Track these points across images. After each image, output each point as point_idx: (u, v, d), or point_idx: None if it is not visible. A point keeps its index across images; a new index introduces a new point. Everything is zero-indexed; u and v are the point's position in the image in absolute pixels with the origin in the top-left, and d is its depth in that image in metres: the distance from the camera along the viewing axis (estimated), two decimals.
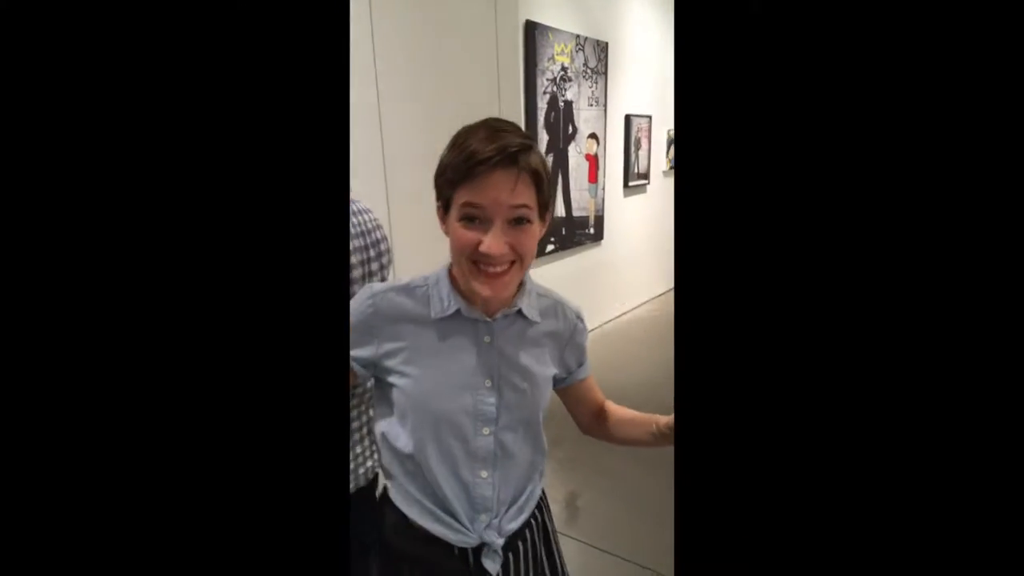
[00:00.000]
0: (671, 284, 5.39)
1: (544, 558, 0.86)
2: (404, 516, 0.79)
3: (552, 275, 3.45)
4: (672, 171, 5.16)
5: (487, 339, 0.77)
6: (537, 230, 0.71)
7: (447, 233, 0.72)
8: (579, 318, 0.86)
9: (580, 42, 3.61)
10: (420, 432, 0.75)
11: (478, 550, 0.78)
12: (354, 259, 1.06)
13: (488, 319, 0.77)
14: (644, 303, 4.97)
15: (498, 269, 0.69)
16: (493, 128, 0.68)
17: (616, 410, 0.91)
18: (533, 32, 3.17)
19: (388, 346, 0.76)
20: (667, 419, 0.81)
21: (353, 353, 0.77)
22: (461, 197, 0.67)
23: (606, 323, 4.43)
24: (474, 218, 0.68)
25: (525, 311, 0.79)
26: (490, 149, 0.65)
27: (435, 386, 0.75)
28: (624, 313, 4.68)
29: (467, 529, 0.77)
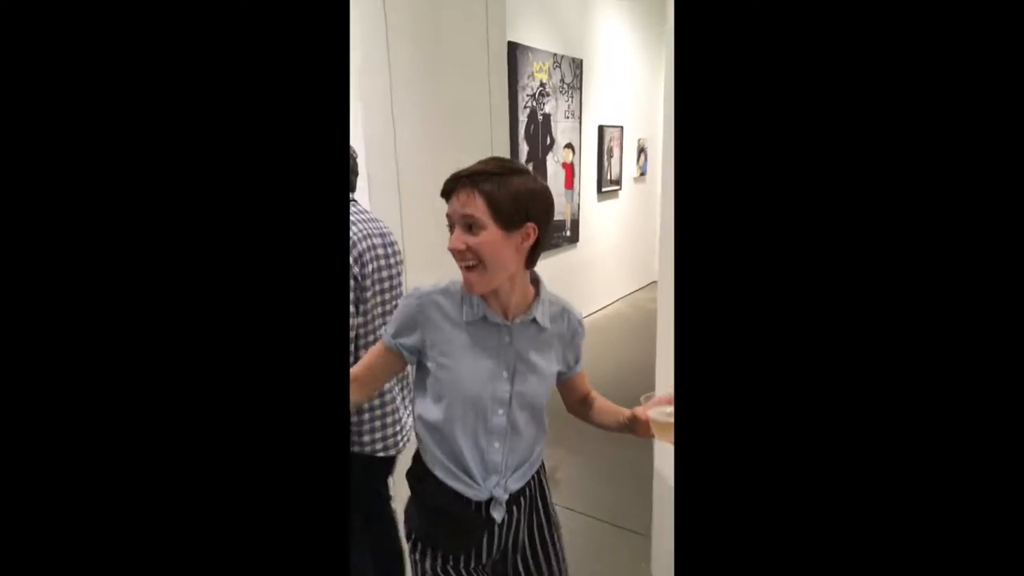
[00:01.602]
0: (642, 283, 5.67)
1: (541, 509, 1.08)
2: (433, 476, 0.98)
3: None
4: (643, 178, 5.46)
5: (507, 340, 0.95)
6: (492, 236, 0.86)
7: None
8: (580, 324, 1.06)
9: (557, 60, 3.89)
10: (451, 410, 0.94)
11: (488, 503, 0.98)
12: (377, 263, 1.30)
13: (508, 323, 0.95)
14: (616, 300, 5.26)
15: (464, 264, 0.88)
16: (490, 161, 0.90)
17: (598, 399, 1.13)
18: (515, 52, 3.44)
19: (429, 338, 0.94)
20: (629, 412, 1.03)
21: (401, 340, 0.96)
22: (447, 208, 0.90)
23: (582, 319, 4.69)
24: (449, 225, 0.90)
25: (539, 319, 0.97)
26: (463, 172, 0.86)
27: (465, 375, 0.93)
28: (598, 310, 4.96)
29: (480, 486, 0.97)
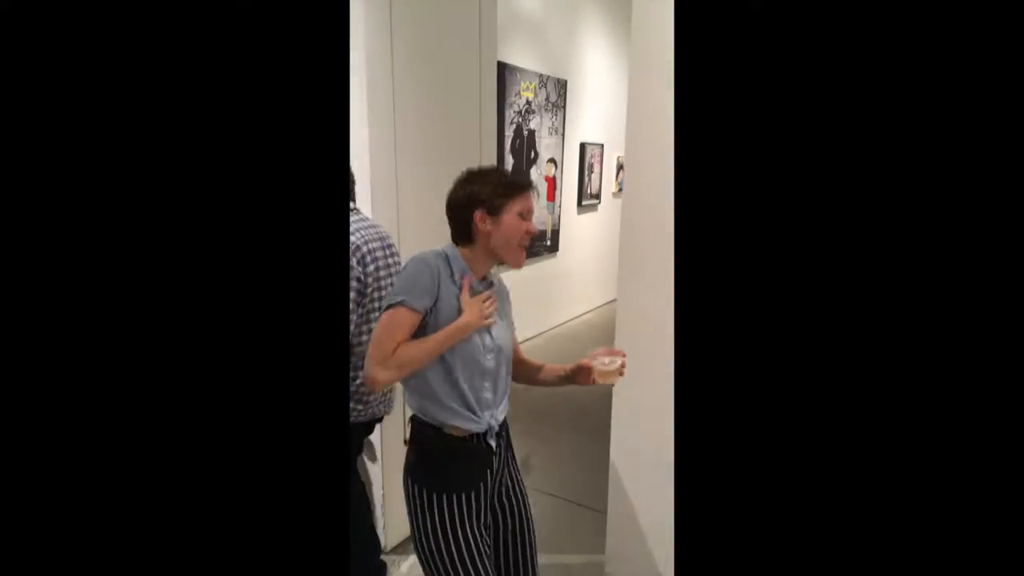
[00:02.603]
0: (615, 294, 5.90)
1: (511, 441, 1.33)
2: (433, 427, 1.17)
3: (513, 281, 3.83)
4: (621, 193, 5.71)
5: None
6: None
7: (489, 229, 1.13)
8: (505, 287, 1.32)
9: (543, 80, 4.14)
10: (455, 358, 1.15)
11: (485, 434, 1.20)
12: (377, 264, 1.48)
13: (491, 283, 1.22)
14: (592, 309, 5.47)
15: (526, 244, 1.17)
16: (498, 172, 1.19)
17: (533, 360, 1.36)
18: (503, 71, 3.68)
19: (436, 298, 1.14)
20: (573, 365, 1.26)
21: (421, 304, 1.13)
22: (517, 206, 1.13)
23: (559, 325, 4.92)
24: (526, 216, 1.15)
25: (493, 280, 1.24)
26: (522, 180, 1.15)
27: None
28: (575, 317, 5.17)
29: (480, 419, 1.18)
